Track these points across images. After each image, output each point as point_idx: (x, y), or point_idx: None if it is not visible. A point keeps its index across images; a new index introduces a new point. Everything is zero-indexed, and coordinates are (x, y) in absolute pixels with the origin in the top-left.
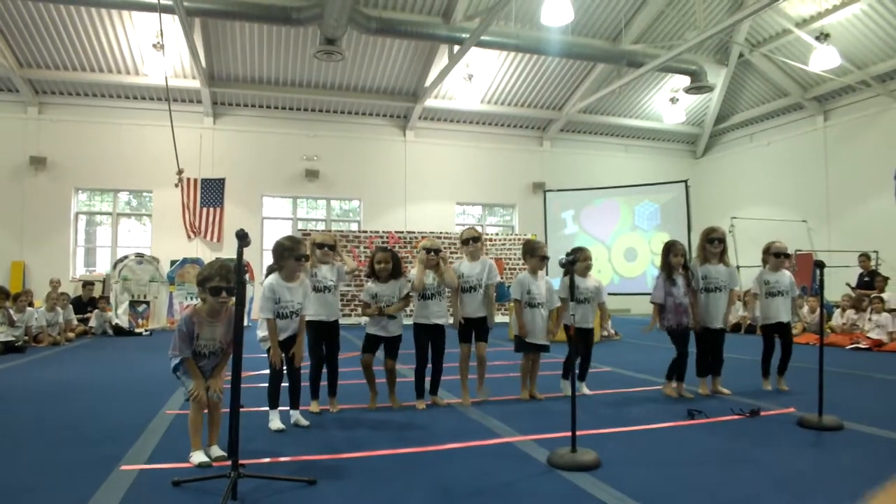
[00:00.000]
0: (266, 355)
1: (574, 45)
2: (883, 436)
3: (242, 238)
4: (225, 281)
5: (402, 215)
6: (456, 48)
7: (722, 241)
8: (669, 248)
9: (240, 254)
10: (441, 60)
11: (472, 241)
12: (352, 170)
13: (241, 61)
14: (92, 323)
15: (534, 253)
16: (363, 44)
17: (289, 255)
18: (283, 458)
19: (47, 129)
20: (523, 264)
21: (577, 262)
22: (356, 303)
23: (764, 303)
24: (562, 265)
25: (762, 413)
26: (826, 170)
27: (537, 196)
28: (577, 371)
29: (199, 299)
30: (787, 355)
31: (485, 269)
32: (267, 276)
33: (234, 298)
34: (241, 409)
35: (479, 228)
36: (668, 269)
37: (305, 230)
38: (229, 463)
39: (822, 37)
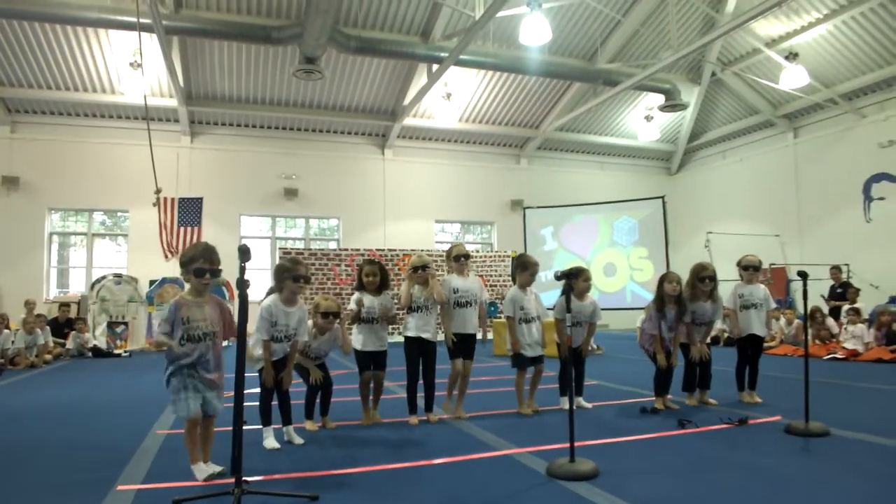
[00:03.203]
0: (257, 374)
1: (551, 65)
2: (868, 440)
3: (244, 253)
4: (209, 263)
5: (382, 233)
6: (434, 67)
7: (713, 279)
8: (664, 279)
9: (242, 269)
10: (420, 79)
11: (463, 259)
12: (330, 188)
13: (220, 80)
14: (69, 344)
15: (526, 268)
16: (342, 63)
17: (287, 275)
18: (278, 476)
19: (20, 149)
20: (504, 279)
21: (573, 276)
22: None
23: (739, 315)
24: (557, 278)
25: (750, 421)
26: (797, 185)
27: (515, 213)
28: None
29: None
30: (754, 368)
31: (480, 287)
32: (266, 297)
33: (215, 279)
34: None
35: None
36: (660, 300)
37: (286, 248)
38: (231, 480)
39: (791, 56)
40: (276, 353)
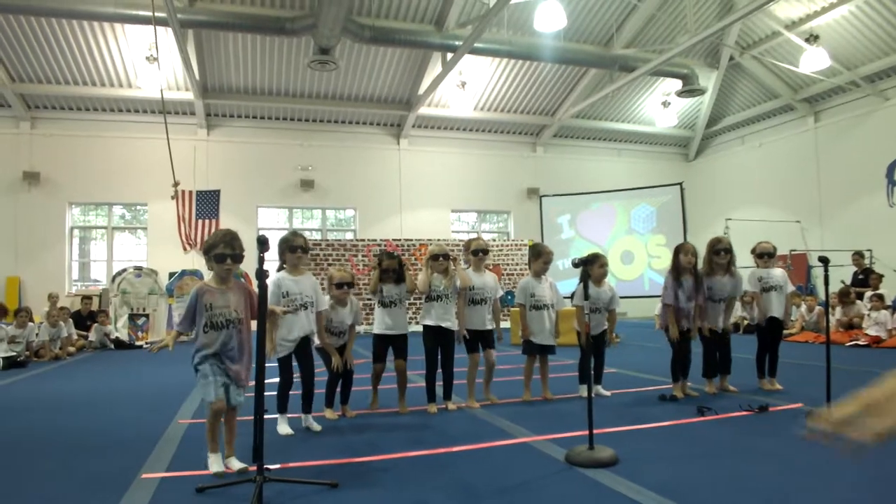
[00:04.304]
0: (277, 365)
1: (566, 51)
2: None
3: (263, 244)
4: (230, 248)
5: (398, 223)
6: (449, 55)
7: (728, 251)
8: (679, 249)
9: (261, 259)
10: (434, 68)
11: (481, 254)
12: (346, 179)
13: (235, 72)
14: (91, 337)
15: (539, 256)
16: (356, 53)
17: (284, 246)
18: (298, 464)
19: (40, 144)
20: (521, 268)
21: (590, 263)
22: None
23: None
24: (575, 265)
25: (771, 409)
26: (818, 170)
27: (532, 202)
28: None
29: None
30: (774, 354)
31: (495, 284)
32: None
33: (238, 266)
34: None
35: (484, 238)
36: (676, 270)
37: None
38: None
39: (812, 38)
40: (294, 325)
